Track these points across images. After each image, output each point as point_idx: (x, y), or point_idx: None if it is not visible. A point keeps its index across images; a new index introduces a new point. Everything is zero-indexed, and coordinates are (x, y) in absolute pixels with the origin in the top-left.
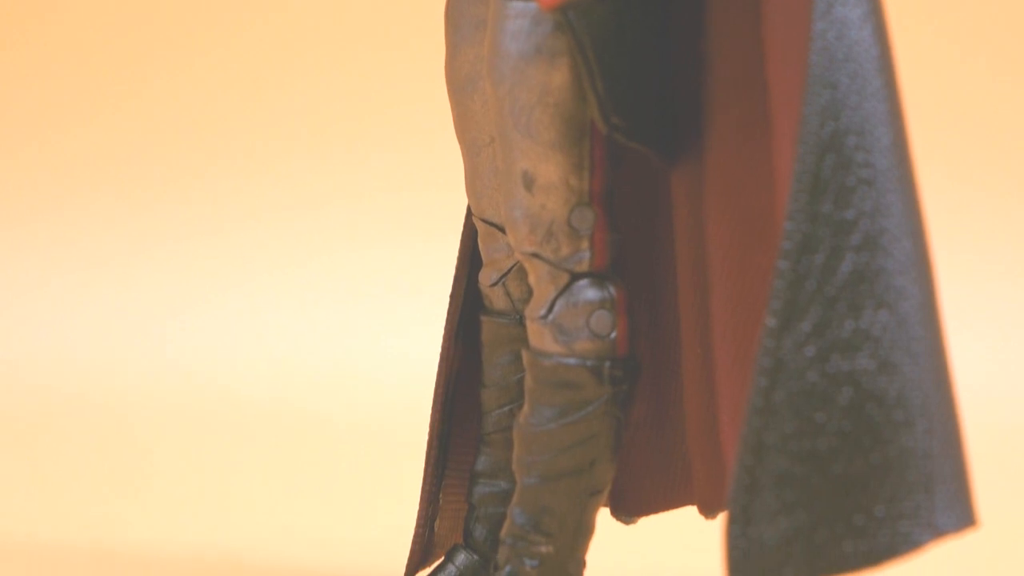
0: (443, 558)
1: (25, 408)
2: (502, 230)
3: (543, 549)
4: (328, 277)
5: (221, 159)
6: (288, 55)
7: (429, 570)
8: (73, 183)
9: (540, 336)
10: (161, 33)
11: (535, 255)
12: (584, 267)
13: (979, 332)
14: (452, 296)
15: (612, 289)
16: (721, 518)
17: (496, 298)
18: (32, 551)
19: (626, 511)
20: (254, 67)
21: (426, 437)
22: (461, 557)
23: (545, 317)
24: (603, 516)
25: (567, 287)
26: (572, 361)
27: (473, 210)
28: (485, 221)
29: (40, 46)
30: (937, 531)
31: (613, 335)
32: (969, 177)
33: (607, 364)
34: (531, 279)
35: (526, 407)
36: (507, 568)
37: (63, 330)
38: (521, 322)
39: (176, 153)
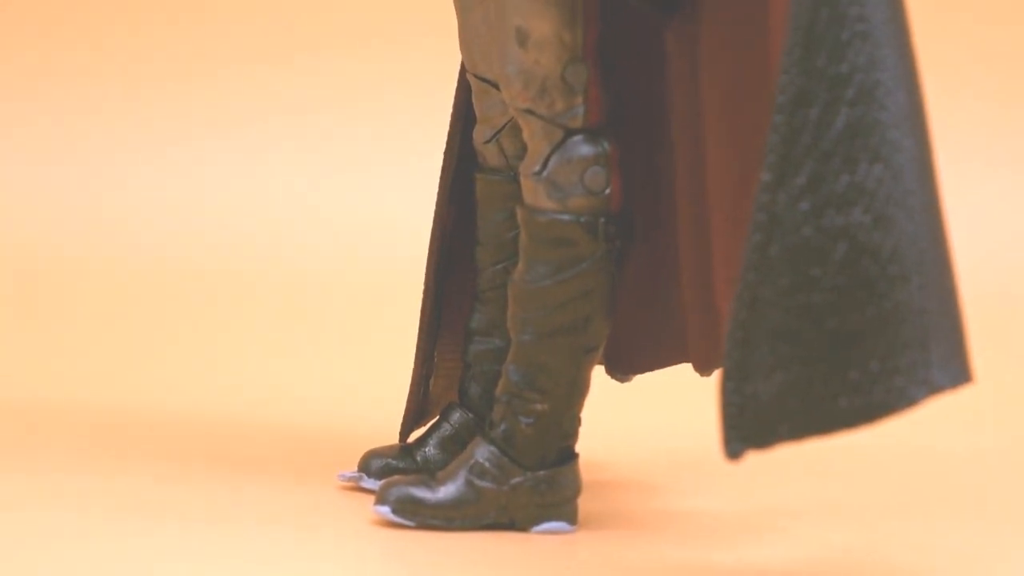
0: (438, 416)
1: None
2: (496, 87)
3: (538, 406)
4: (321, 134)
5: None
6: None
7: (424, 429)
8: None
9: (534, 193)
10: None
11: (529, 111)
12: (578, 123)
13: (974, 186)
14: (446, 153)
15: (606, 145)
16: (716, 375)
17: (490, 155)
18: (24, 410)
19: (621, 369)
20: None
21: (420, 296)
22: (456, 415)
23: (539, 173)
24: (598, 373)
25: (561, 143)
26: (566, 217)
27: (466, 66)
28: (478, 77)
29: None
30: (932, 387)
31: (607, 191)
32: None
33: (601, 220)
34: (525, 135)
35: (521, 264)
36: (502, 425)
37: (49, 174)
38: (515, 179)
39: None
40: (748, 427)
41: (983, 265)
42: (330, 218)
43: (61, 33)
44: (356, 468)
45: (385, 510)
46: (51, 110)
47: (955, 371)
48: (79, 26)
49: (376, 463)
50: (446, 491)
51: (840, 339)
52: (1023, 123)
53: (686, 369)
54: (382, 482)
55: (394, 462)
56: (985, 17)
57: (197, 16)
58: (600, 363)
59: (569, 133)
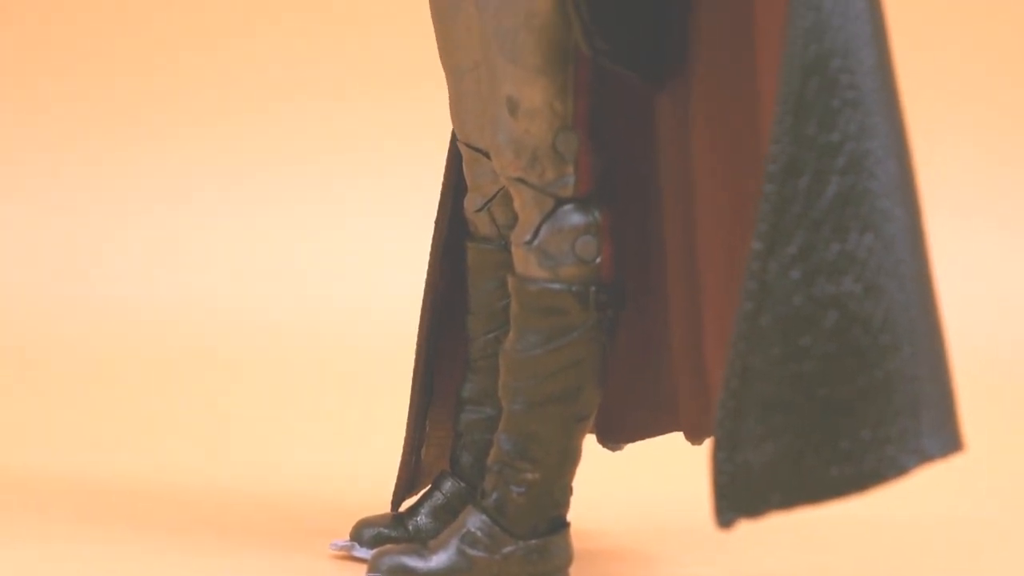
0: (430, 485)
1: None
2: (487, 155)
3: (529, 476)
4: (315, 202)
5: (207, 74)
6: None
7: (416, 498)
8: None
9: (525, 262)
10: None
11: (520, 180)
12: (569, 192)
13: (965, 256)
14: (437, 222)
15: (597, 214)
16: (707, 444)
17: (481, 224)
18: (23, 483)
19: (612, 437)
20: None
21: (412, 364)
22: (448, 484)
23: (530, 242)
24: (589, 443)
25: (552, 212)
26: (557, 286)
27: (458, 135)
28: (470, 146)
29: None
30: (924, 455)
31: (598, 260)
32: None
33: (592, 289)
34: (516, 204)
35: (512, 333)
36: (494, 495)
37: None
38: (506, 248)
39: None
40: (739, 496)
41: (973, 332)
42: (321, 286)
43: (38, 95)
44: (348, 537)
45: None
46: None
47: (946, 439)
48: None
49: (368, 532)
50: (438, 560)
51: (831, 408)
52: (1014, 186)
53: (677, 437)
54: (374, 551)
55: (386, 531)
56: (975, 81)
57: (174, 79)
58: (591, 432)
59: (560, 202)
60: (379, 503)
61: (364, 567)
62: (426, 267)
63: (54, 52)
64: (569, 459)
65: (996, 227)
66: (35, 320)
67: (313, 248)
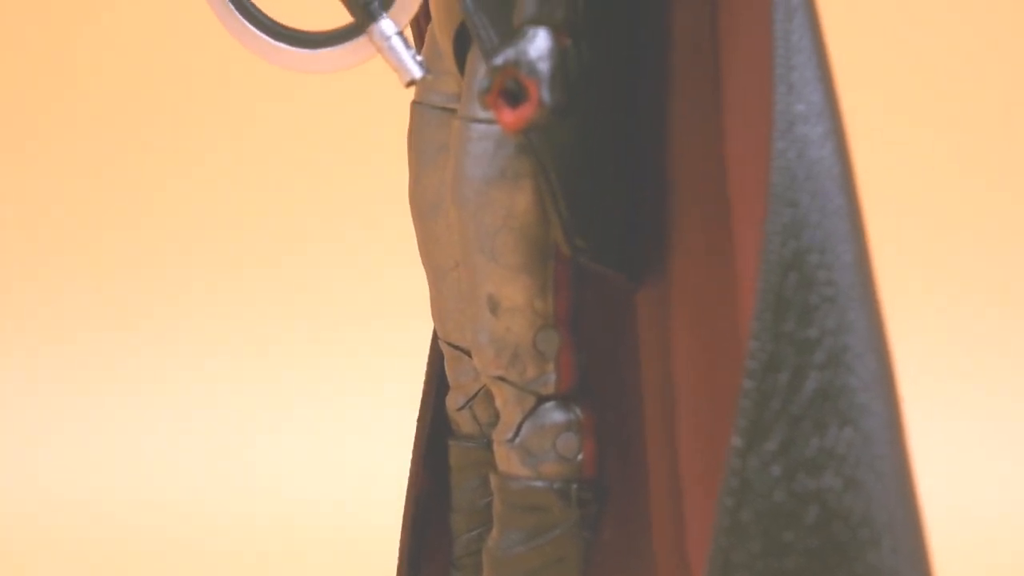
0: None
1: None
2: (468, 354)
3: None
4: (295, 398)
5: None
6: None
7: None
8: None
9: (507, 459)
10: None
11: (501, 378)
12: (550, 389)
13: (944, 447)
14: (419, 420)
15: (578, 411)
16: None
17: (463, 422)
18: None
19: None
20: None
21: (395, 562)
22: None
23: (512, 440)
24: None
25: (533, 410)
26: (540, 484)
27: (439, 334)
28: (451, 345)
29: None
30: None
31: (580, 457)
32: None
33: (574, 487)
34: (498, 402)
35: (495, 531)
36: None
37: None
38: (489, 446)
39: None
40: None
41: (953, 524)
42: (302, 484)
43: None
44: None
45: None
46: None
47: None
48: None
49: None
50: None
51: None
52: (992, 377)
53: None
54: None
55: None
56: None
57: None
58: None
59: (541, 400)
60: None
61: None
62: (409, 465)
63: None
64: None
65: (973, 419)
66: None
67: (297, 442)
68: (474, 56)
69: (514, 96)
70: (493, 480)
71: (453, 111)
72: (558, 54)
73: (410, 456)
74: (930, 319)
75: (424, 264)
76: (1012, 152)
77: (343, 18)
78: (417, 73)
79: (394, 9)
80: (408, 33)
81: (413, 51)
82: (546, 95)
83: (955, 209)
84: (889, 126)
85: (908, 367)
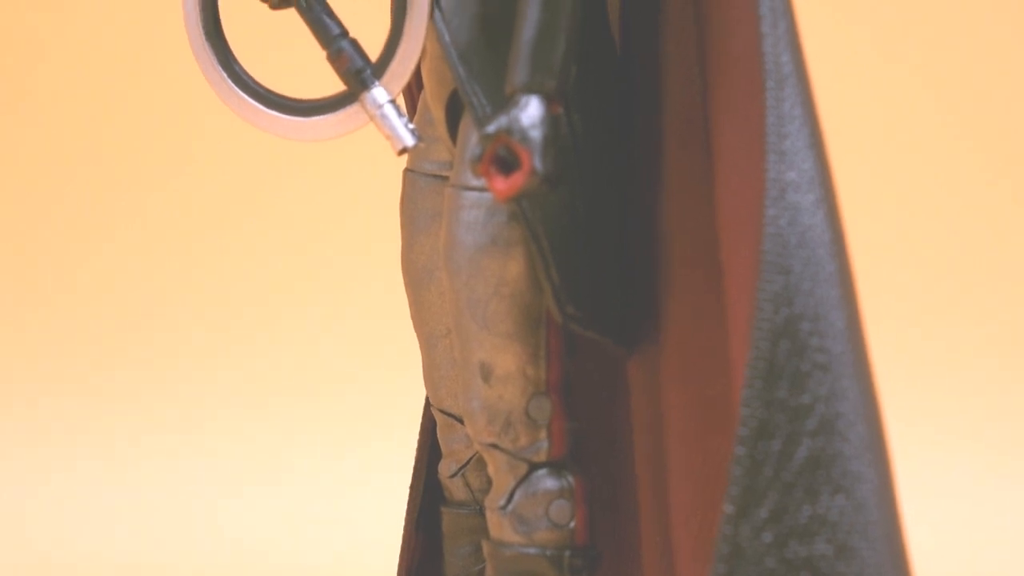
0: None
1: None
2: (461, 421)
3: None
4: (287, 464)
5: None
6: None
7: None
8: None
9: (500, 526)
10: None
11: (494, 446)
12: (542, 457)
13: (936, 512)
14: (412, 487)
15: (570, 478)
16: None
17: (456, 489)
18: None
19: None
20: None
21: None
22: None
23: (504, 507)
24: None
25: (526, 477)
26: (532, 551)
27: (431, 401)
28: (444, 412)
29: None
30: None
31: (572, 524)
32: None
33: (567, 553)
34: (490, 469)
35: None
36: None
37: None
38: (481, 512)
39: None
40: None
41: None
42: (294, 550)
43: None
44: None
45: None
46: None
47: None
48: None
49: None
50: None
51: None
52: (988, 437)
53: None
54: None
55: None
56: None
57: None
58: None
59: (533, 467)
60: None
61: None
62: (402, 531)
63: None
64: None
65: (962, 486)
66: None
67: (290, 510)
68: (466, 124)
69: (506, 164)
70: (486, 547)
71: (445, 179)
72: (550, 122)
73: (403, 523)
74: (924, 377)
75: (416, 331)
76: (1004, 213)
77: (335, 85)
78: (410, 141)
79: (386, 77)
80: (400, 101)
81: (406, 119)
82: (538, 163)
83: (946, 271)
84: (881, 191)
85: (899, 426)
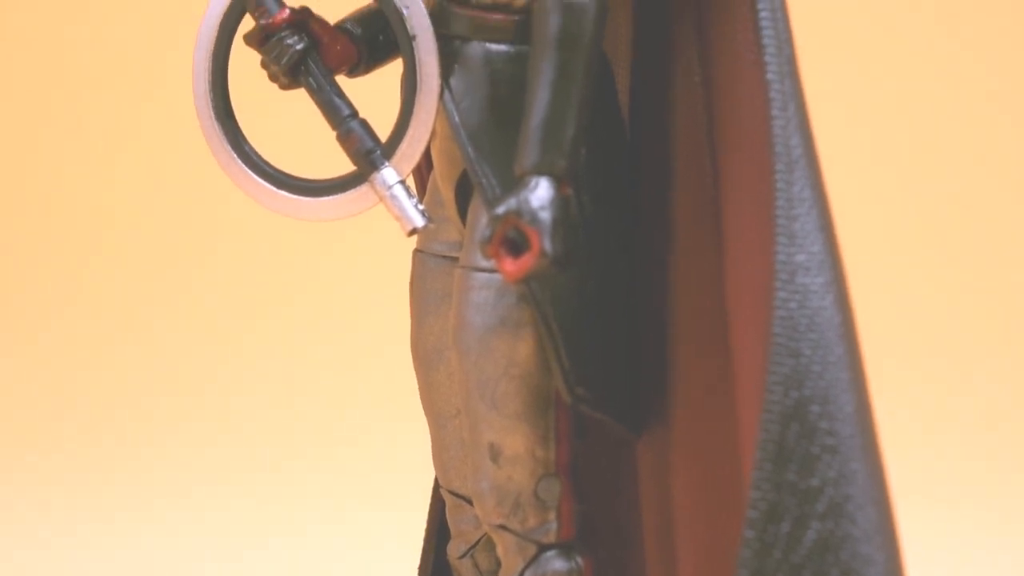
0: None
1: None
2: (469, 502)
3: None
4: (298, 544)
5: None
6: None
7: None
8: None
9: None
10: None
11: (502, 527)
12: (551, 538)
13: None
14: (420, 569)
15: (580, 560)
16: None
17: (465, 570)
18: None
19: None
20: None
21: None
22: None
23: None
24: None
25: (535, 558)
26: None
27: (440, 482)
28: (453, 493)
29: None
30: None
31: None
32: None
33: None
34: (499, 551)
35: None
36: None
37: None
38: None
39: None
40: None
41: None
42: None
43: None
44: None
45: None
46: None
47: None
48: None
49: None
50: None
51: None
52: (995, 511)
53: None
54: None
55: None
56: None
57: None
58: None
59: (542, 548)
60: None
61: None
62: None
63: None
64: None
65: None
66: None
67: None
68: (476, 205)
69: (516, 245)
70: None
71: (455, 259)
72: (560, 204)
73: None
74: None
75: (426, 411)
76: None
77: (345, 166)
78: (419, 222)
79: (396, 158)
80: (410, 181)
81: (415, 200)
82: (548, 245)
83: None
84: (892, 273)
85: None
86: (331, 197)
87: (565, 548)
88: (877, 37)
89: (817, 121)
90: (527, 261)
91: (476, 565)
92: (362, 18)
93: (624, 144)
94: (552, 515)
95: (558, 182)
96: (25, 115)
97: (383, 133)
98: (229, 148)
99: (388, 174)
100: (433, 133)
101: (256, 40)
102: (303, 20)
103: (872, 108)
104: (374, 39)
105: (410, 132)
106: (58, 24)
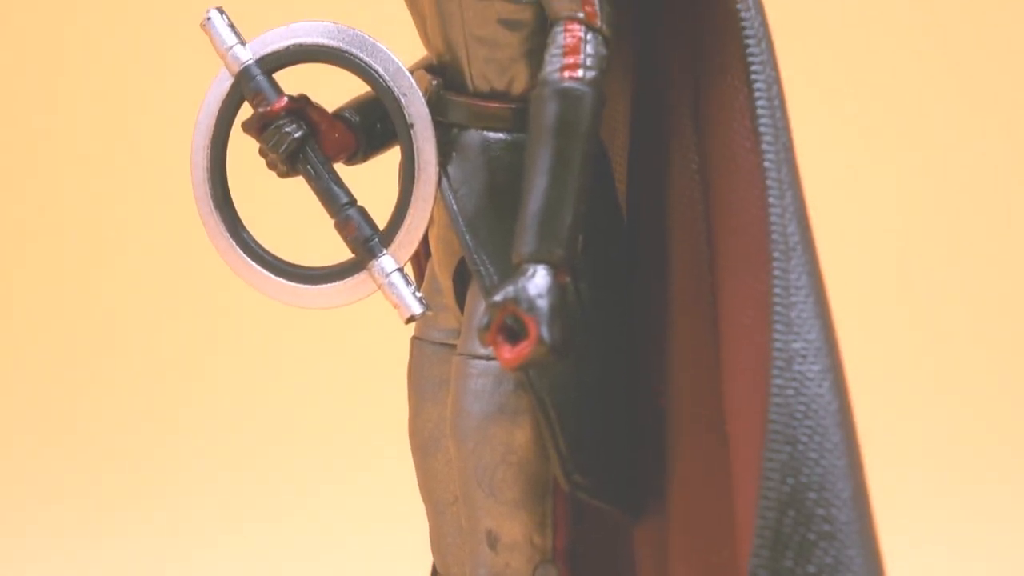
0: None
1: None
2: None
3: None
4: (296, 559)
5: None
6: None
7: None
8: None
9: None
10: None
11: None
12: None
13: None
14: None
15: None
16: None
17: None
18: None
19: None
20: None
21: None
22: None
23: None
24: None
25: None
26: None
27: (439, 568)
28: None
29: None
30: None
31: None
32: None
33: None
34: None
35: None
36: None
37: None
38: None
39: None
40: None
41: None
42: None
43: None
44: None
45: None
46: None
47: None
48: None
49: None
50: None
51: None
52: None
53: None
54: None
55: None
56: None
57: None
58: None
59: None
60: None
61: None
62: None
63: None
64: None
65: None
66: None
67: None
68: (474, 292)
69: (513, 333)
70: None
71: (453, 347)
72: (557, 292)
73: None
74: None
75: (423, 498)
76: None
77: (343, 253)
78: (417, 309)
79: (394, 246)
80: (408, 268)
81: (413, 287)
82: (545, 332)
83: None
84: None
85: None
86: (329, 284)
87: None
88: (877, 40)
89: (806, 130)
90: (525, 349)
91: None
92: (360, 106)
93: (621, 231)
94: None
95: (555, 270)
96: (25, 115)
97: (381, 221)
98: (227, 235)
99: (386, 262)
100: (431, 221)
101: (254, 128)
102: (301, 108)
103: (866, 115)
104: (372, 127)
105: (408, 220)
106: (58, 24)
